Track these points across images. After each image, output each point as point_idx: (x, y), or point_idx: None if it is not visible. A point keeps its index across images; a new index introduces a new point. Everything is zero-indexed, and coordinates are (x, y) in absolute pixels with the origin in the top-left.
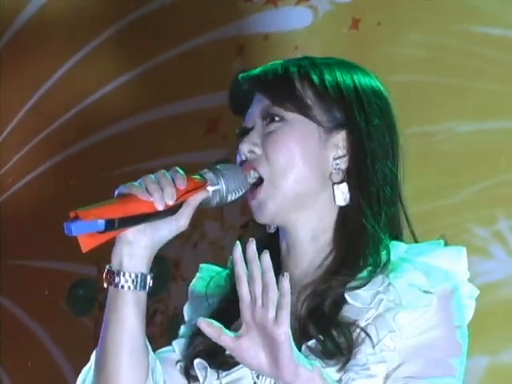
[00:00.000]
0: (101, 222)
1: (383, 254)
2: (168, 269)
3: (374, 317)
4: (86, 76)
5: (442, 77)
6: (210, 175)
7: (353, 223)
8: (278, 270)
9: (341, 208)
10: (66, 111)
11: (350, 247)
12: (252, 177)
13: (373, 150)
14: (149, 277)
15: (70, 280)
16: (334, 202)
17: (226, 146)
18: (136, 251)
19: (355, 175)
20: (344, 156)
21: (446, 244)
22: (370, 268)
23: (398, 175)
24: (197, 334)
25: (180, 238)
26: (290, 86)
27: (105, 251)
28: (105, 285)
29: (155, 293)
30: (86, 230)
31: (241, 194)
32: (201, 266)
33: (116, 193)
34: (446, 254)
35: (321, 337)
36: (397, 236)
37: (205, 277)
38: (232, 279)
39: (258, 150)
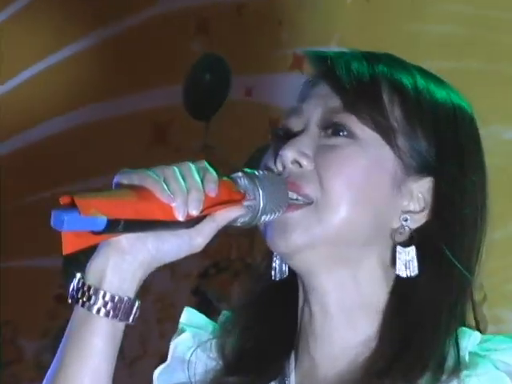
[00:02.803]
0: (101, 220)
1: (451, 349)
2: None
3: None
4: None
5: (486, 62)
6: (245, 182)
7: (417, 309)
8: (291, 346)
9: (398, 281)
10: None
11: (407, 342)
12: (297, 198)
13: (464, 214)
14: (136, 305)
15: None
16: (394, 268)
17: (179, 161)
18: (127, 266)
19: (432, 241)
20: (418, 212)
21: None
22: (432, 370)
23: (481, 251)
24: None
25: None
26: (377, 93)
27: None
28: (69, 300)
29: None
30: (79, 227)
31: (275, 216)
32: (186, 311)
33: (118, 179)
34: None
35: None
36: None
37: (189, 338)
38: (224, 355)
39: (307, 164)
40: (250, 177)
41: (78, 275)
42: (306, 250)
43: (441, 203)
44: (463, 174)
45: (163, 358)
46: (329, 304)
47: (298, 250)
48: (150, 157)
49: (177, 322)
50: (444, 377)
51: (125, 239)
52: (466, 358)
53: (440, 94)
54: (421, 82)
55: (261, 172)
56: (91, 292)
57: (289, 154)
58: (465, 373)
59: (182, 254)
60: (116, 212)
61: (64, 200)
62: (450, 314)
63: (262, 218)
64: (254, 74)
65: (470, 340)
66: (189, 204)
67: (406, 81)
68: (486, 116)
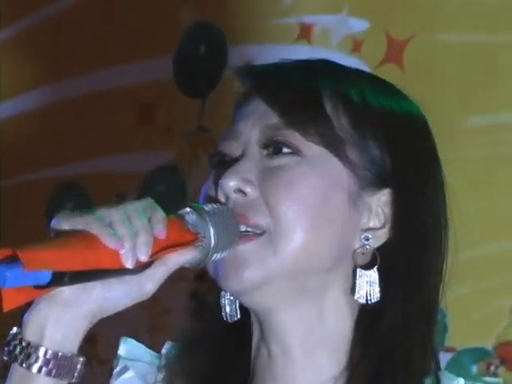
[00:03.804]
0: (46, 275)
1: None
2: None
3: None
4: None
5: None
6: (193, 219)
7: (385, 340)
8: None
9: (365, 310)
10: None
11: (377, 379)
12: (247, 230)
13: (429, 228)
14: (80, 361)
15: None
16: (352, 294)
17: (170, 145)
18: (70, 319)
19: (398, 261)
20: (380, 228)
21: None
22: None
23: (445, 263)
24: None
25: None
26: (318, 103)
27: None
28: (5, 357)
29: None
30: (22, 282)
31: (227, 253)
32: (124, 343)
33: (57, 223)
34: None
35: None
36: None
37: (134, 378)
38: None
39: (251, 191)
40: (199, 212)
41: (15, 329)
42: (263, 287)
43: (401, 216)
44: (421, 182)
45: None
46: (291, 344)
47: (254, 287)
48: (137, 140)
49: (172, 330)
50: None
51: (68, 290)
52: None
53: (388, 100)
54: (366, 88)
55: (209, 206)
56: (31, 349)
57: (230, 182)
58: None
59: (131, 303)
60: (63, 265)
61: (4, 253)
62: (423, 342)
63: (214, 256)
64: (255, 46)
65: None
66: (137, 249)
67: (350, 87)
68: None
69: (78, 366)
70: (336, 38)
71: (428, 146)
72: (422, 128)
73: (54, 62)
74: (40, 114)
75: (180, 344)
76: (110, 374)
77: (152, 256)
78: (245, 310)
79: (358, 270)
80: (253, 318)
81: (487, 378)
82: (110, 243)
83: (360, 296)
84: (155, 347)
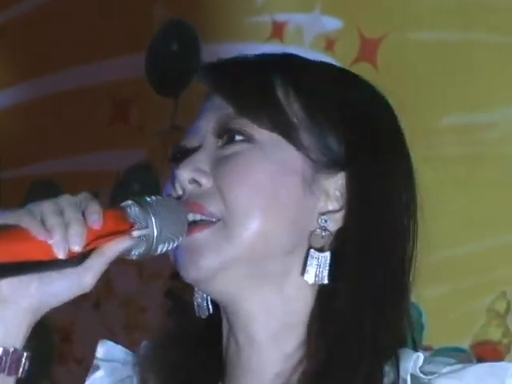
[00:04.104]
0: None
1: (388, 370)
2: (51, 344)
3: None
4: None
5: (491, 35)
6: (135, 211)
7: (337, 319)
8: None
9: (321, 291)
10: None
11: (331, 358)
12: (202, 219)
13: (386, 209)
14: (24, 355)
15: None
16: (302, 275)
17: (143, 144)
18: (10, 314)
19: (352, 244)
20: (337, 211)
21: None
22: None
23: (415, 252)
24: None
25: None
26: (269, 90)
27: None
28: None
29: (31, 382)
30: None
31: (176, 244)
32: (101, 344)
33: None
34: (484, 378)
35: None
36: (400, 341)
37: (104, 376)
38: None
39: (205, 181)
40: (141, 204)
41: None
42: (220, 274)
43: (355, 199)
44: (380, 165)
45: None
46: (255, 331)
47: (212, 274)
48: (111, 137)
49: (148, 329)
50: None
51: (5, 285)
52: (408, 381)
53: (345, 85)
54: (320, 74)
55: (153, 197)
56: None
57: (184, 173)
58: None
59: (72, 296)
60: None
61: None
62: (375, 325)
63: (160, 247)
64: (228, 44)
65: (411, 362)
66: (69, 239)
67: (302, 74)
68: (501, 95)
69: (23, 361)
70: (309, 37)
71: (389, 132)
72: (382, 114)
73: (30, 59)
74: (16, 111)
75: (152, 341)
76: (86, 374)
77: (86, 246)
78: (218, 306)
79: (311, 251)
80: (222, 311)
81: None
82: (38, 233)
83: (309, 277)
84: (131, 346)
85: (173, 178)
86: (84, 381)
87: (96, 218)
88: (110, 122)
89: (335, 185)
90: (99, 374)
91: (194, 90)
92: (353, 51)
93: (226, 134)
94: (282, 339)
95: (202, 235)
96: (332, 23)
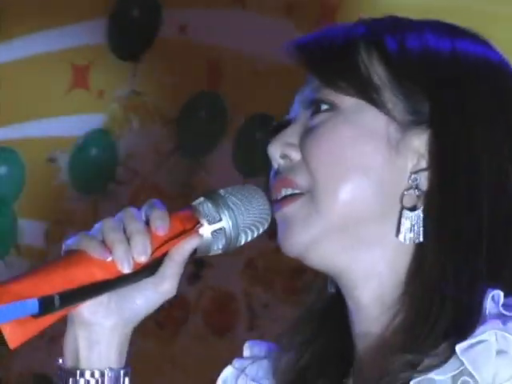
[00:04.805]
0: (32, 303)
1: (474, 310)
2: None
3: None
4: None
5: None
6: (206, 207)
7: (426, 276)
8: (348, 362)
9: (416, 249)
10: None
11: (419, 311)
12: (292, 194)
13: (475, 168)
14: (122, 373)
15: None
16: (396, 235)
17: (103, 109)
18: (97, 336)
19: (436, 202)
20: (426, 169)
21: None
22: (451, 338)
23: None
24: None
25: None
26: (350, 55)
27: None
28: None
29: None
30: (10, 317)
31: (263, 230)
32: (247, 345)
33: (65, 246)
34: None
35: None
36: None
37: (232, 370)
38: None
39: (294, 155)
40: (213, 198)
41: (60, 361)
42: (314, 246)
43: (443, 157)
44: (469, 120)
45: None
46: (360, 296)
47: (305, 249)
48: (71, 103)
49: None
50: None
51: (85, 309)
52: (487, 317)
53: (438, 39)
54: (408, 33)
55: (228, 189)
56: (70, 374)
57: (273, 149)
58: (480, 337)
59: (155, 306)
60: (41, 289)
61: None
62: (468, 286)
63: (242, 237)
64: (190, 9)
65: (494, 300)
66: (133, 251)
67: (386, 35)
68: None
69: (121, 378)
70: (270, 2)
71: (489, 89)
72: (482, 66)
73: None
74: None
75: (289, 326)
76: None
77: (153, 254)
78: None
79: (404, 212)
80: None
81: None
82: (95, 254)
83: (404, 237)
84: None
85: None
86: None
87: (160, 223)
88: (69, 87)
89: (423, 143)
90: (228, 370)
91: (153, 56)
92: (313, 14)
93: (313, 105)
94: (385, 298)
95: (290, 209)
96: None
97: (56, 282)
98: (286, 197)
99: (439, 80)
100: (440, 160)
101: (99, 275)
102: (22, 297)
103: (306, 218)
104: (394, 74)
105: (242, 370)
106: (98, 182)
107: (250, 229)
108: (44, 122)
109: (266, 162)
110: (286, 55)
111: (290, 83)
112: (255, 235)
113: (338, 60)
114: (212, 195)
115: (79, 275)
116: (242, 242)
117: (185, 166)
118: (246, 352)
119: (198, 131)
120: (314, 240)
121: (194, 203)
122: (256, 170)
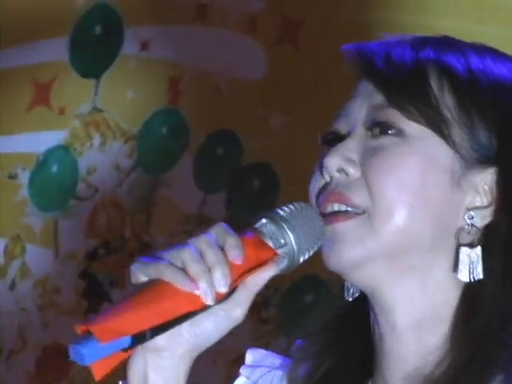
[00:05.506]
0: (125, 339)
1: None
2: None
3: None
4: None
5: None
6: (271, 229)
7: (485, 315)
8: (367, 370)
9: (468, 286)
10: None
11: (476, 350)
12: (347, 210)
13: None
14: None
15: None
16: (456, 272)
17: (64, 125)
18: (168, 363)
19: (501, 239)
20: (486, 207)
21: None
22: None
23: None
24: None
25: None
26: (421, 81)
27: None
28: None
29: None
30: (102, 354)
31: (317, 248)
32: (249, 352)
33: (134, 274)
34: None
35: None
36: None
37: (245, 381)
38: None
39: (353, 171)
40: (275, 220)
41: (121, 383)
42: (361, 265)
43: (506, 195)
44: None
45: (46, 351)
46: (396, 320)
47: (352, 265)
48: (32, 120)
49: (62, 309)
50: None
51: (159, 338)
52: None
53: (500, 70)
54: (475, 61)
55: (286, 209)
56: None
57: (332, 161)
58: None
59: (224, 332)
60: (138, 326)
61: (80, 328)
62: None
63: (301, 258)
64: (151, 26)
65: None
66: (215, 283)
67: (457, 62)
68: None
69: None
70: (232, 18)
71: None
72: None
73: None
74: None
75: (306, 335)
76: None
77: (233, 284)
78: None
79: (462, 249)
80: (369, 308)
81: None
82: (183, 287)
83: (463, 274)
84: (45, 326)
85: (320, 164)
86: None
87: (237, 253)
88: (31, 104)
89: (485, 180)
90: (241, 380)
91: (115, 73)
92: (274, 32)
93: (377, 127)
94: (424, 332)
95: (345, 226)
96: (255, 5)
97: (150, 318)
98: (337, 212)
99: (506, 111)
100: (508, 197)
101: (186, 308)
102: (120, 334)
103: (360, 237)
104: (463, 107)
105: (255, 382)
106: (59, 199)
107: (308, 249)
108: (6, 139)
109: (226, 178)
110: (347, 57)
111: (251, 100)
112: (311, 254)
113: (409, 83)
114: (274, 216)
115: (169, 309)
116: (300, 262)
117: (146, 182)
118: (249, 358)
119: (159, 147)
120: (363, 260)
121: (256, 225)
122: (217, 187)
